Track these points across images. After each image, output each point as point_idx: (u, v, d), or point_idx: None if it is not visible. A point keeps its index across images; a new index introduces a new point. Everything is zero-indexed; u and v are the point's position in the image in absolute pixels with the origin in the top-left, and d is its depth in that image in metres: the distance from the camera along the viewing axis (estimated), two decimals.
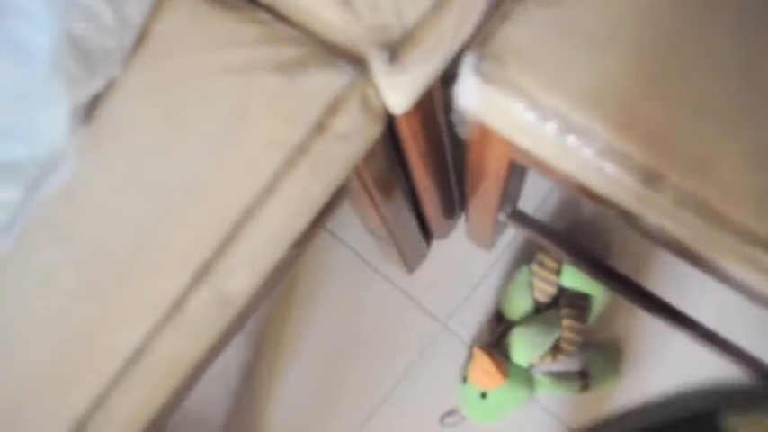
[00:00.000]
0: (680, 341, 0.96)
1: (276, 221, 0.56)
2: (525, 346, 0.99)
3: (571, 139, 0.57)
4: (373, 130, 0.63)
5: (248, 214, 0.54)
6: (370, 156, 0.66)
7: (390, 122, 0.67)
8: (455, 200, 1.02)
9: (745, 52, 0.58)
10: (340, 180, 0.62)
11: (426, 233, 1.07)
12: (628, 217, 0.63)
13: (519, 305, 1.03)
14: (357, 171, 0.68)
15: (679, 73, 0.58)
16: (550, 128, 0.57)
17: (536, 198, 1.12)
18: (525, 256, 1.08)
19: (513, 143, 0.63)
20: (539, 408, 1.02)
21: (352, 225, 1.07)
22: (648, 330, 1.05)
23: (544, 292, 1.02)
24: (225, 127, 0.56)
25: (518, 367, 0.99)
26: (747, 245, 0.55)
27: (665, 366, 1.04)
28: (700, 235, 0.57)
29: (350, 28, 0.59)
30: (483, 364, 0.96)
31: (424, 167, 0.81)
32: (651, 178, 0.56)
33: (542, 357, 1.00)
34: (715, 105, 0.57)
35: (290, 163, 0.56)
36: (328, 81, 0.58)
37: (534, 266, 1.03)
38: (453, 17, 0.61)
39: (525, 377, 0.99)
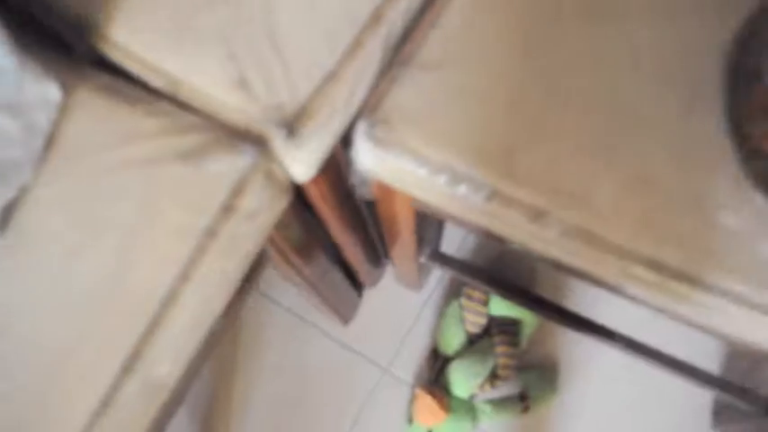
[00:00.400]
0: (611, 353, 1.01)
1: (194, 306, 0.59)
2: (463, 379, 1.03)
3: (462, 189, 0.62)
4: (281, 203, 0.66)
5: (166, 304, 0.57)
6: (283, 225, 0.70)
7: (301, 187, 0.71)
8: (378, 249, 1.06)
9: (610, 91, 0.64)
10: (254, 254, 0.65)
11: (356, 284, 1.11)
12: (529, 250, 0.68)
13: (452, 340, 1.07)
14: (272, 241, 0.71)
15: (553, 116, 0.64)
16: (441, 180, 0.62)
17: (458, 235, 1.17)
18: (454, 292, 1.13)
19: (413, 197, 0.68)
20: None
21: (285, 286, 1.10)
22: (580, 345, 1.11)
23: (475, 323, 1.07)
24: (134, 222, 0.59)
25: (459, 400, 1.03)
26: (631, 264, 0.60)
27: (600, 378, 1.09)
28: (589, 260, 0.62)
29: (248, 109, 0.63)
30: (425, 403, 1.00)
31: (341, 225, 0.85)
32: (536, 215, 0.61)
33: (481, 386, 1.04)
34: (587, 142, 0.63)
35: (200, 248, 0.59)
36: (231, 164, 0.62)
37: (463, 300, 1.07)
38: (345, 88, 0.65)
39: (467, 408, 1.03)
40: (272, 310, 1.14)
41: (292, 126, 0.63)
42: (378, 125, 0.64)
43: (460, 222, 0.70)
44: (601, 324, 0.98)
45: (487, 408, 1.04)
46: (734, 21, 0.62)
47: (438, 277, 1.15)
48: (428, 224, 0.88)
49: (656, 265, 0.60)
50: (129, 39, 0.67)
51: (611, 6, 0.67)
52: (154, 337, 0.57)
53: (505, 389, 1.06)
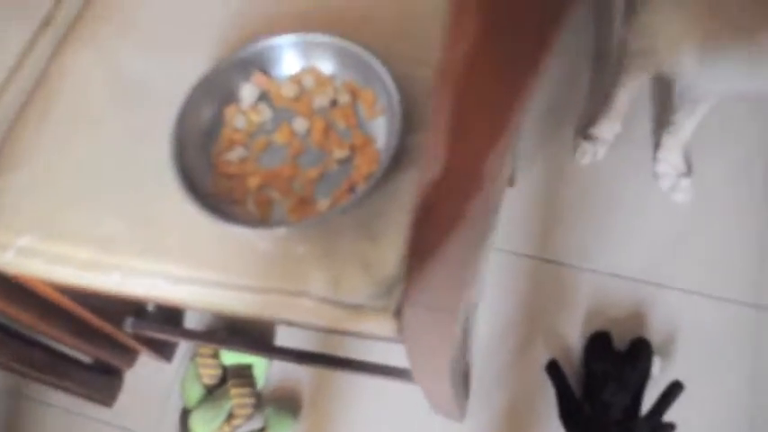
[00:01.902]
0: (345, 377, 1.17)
1: None
2: (201, 425, 1.18)
3: (22, 260, 0.80)
4: None
5: None
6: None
7: None
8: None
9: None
10: None
11: (112, 369, 1.27)
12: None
13: (192, 394, 1.22)
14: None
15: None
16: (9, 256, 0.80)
17: None
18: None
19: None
20: None
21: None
22: (319, 377, 1.26)
23: (211, 375, 1.22)
24: None
25: None
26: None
27: (340, 401, 1.24)
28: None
29: None
30: None
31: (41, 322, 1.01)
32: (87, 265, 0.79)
33: (220, 428, 1.18)
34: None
35: None
36: None
37: (197, 359, 1.23)
38: None
39: None
40: (44, 411, 1.29)
41: None
42: None
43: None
44: (327, 354, 1.13)
45: None
46: None
47: (188, 345, 1.31)
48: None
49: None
50: None
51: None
52: None
53: (250, 425, 1.21)
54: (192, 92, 0.78)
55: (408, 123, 0.74)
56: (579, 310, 1.31)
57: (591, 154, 1.42)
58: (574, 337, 1.29)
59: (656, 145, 1.41)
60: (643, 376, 1.21)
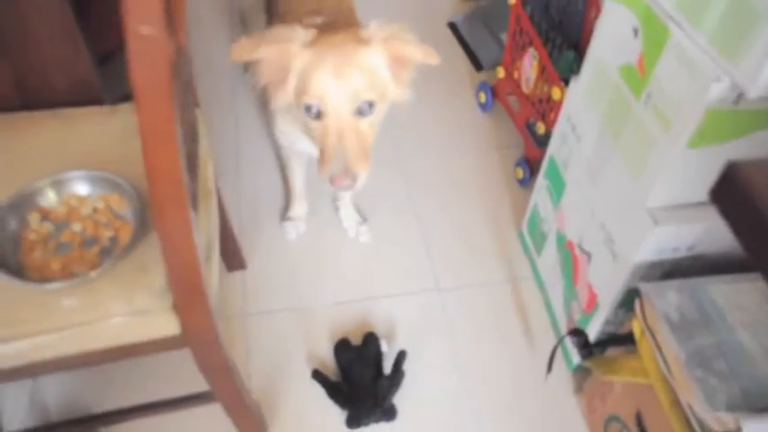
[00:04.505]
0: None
1: None
2: None
3: None
4: None
5: None
6: None
7: None
8: None
9: None
10: None
11: None
12: None
13: None
14: None
15: None
16: None
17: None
18: None
19: None
20: None
21: None
22: None
23: None
24: None
25: None
26: None
27: None
28: None
29: None
30: None
31: None
32: None
33: None
34: None
35: None
36: None
37: None
38: None
39: None
40: None
41: None
42: None
43: None
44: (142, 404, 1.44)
45: None
46: None
47: None
48: None
49: None
50: None
51: None
52: None
53: None
54: None
55: (144, 204, 1.20)
56: (323, 334, 1.79)
57: (294, 230, 1.96)
58: (326, 352, 1.76)
59: (336, 209, 2.00)
60: (377, 354, 1.70)
